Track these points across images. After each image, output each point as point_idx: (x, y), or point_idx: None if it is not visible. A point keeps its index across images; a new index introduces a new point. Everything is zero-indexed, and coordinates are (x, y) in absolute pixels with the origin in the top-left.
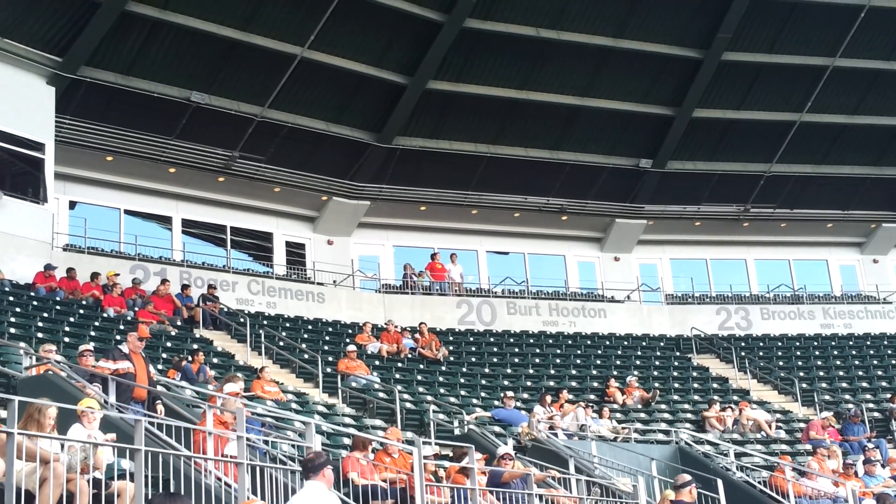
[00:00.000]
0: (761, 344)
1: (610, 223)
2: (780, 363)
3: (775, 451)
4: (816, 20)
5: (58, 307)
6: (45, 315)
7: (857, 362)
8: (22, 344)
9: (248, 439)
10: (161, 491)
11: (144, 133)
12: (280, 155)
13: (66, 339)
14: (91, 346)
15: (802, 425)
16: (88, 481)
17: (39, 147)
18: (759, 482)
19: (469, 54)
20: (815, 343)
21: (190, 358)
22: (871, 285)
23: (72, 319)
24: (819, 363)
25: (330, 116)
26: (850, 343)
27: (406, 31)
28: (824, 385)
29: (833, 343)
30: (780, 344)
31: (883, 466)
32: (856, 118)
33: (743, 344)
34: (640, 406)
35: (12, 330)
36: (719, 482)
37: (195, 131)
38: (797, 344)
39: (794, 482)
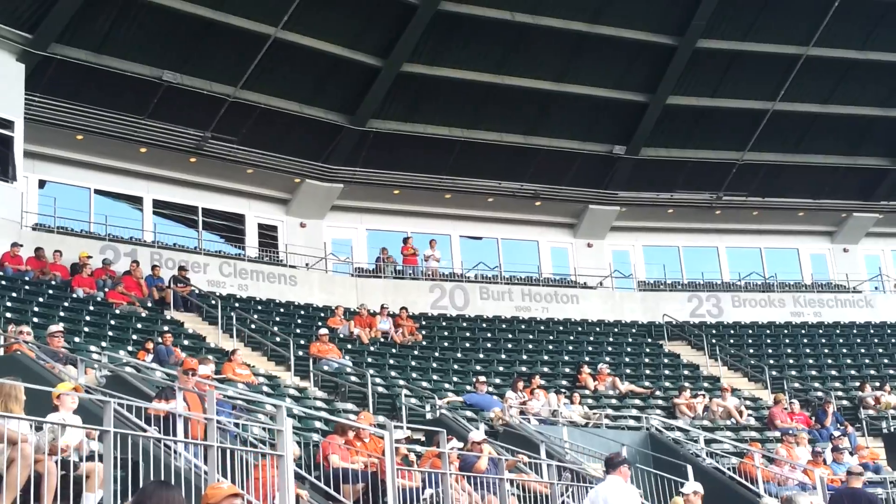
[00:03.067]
0: (732, 331)
1: (583, 209)
2: (751, 350)
3: (745, 437)
4: (791, 9)
5: (27, 287)
6: (14, 295)
7: (826, 350)
8: None
9: (218, 422)
10: (153, 479)
11: (115, 112)
12: (253, 136)
13: (35, 320)
14: (60, 326)
15: None
16: (56, 462)
17: (8, 125)
18: (729, 468)
19: (444, 38)
20: (786, 331)
21: (160, 339)
22: (841, 274)
23: (41, 300)
24: (789, 351)
25: (303, 98)
26: (820, 331)
27: (381, 13)
28: (794, 373)
29: (803, 331)
30: (750, 331)
31: (851, 454)
32: (828, 107)
33: (714, 331)
34: (626, 396)
35: None
36: (689, 468)
37: (167, 111)
38: (767, 331)
39: (763, 468)
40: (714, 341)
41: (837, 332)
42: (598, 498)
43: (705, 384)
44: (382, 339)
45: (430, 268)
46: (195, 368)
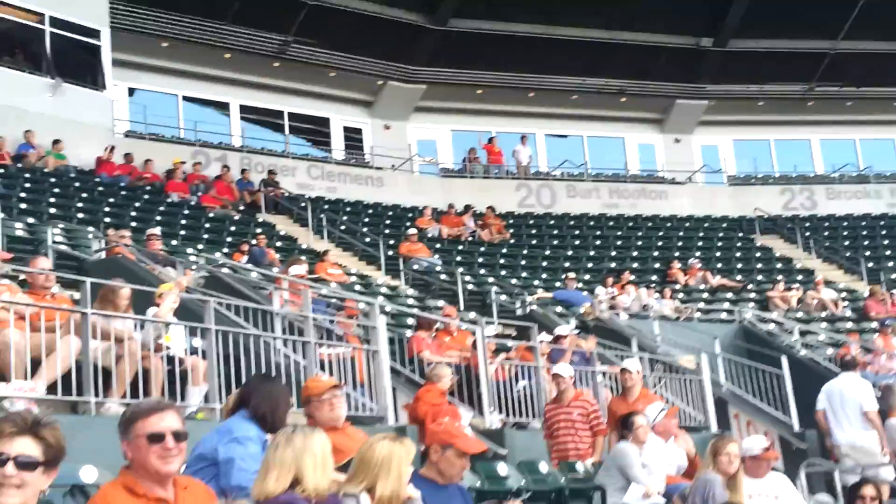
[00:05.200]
0: (826, 224)
1: (670, 104)
2: (846, 243)
3: (841, 329)
4: None
5: (123, 192)
6: (112, 200)
7: None
8: (90, 228)
9: (314, 319)
10: (258, 372)
11: (197, 18)
12: (334, 39)
13: (133, 224)
14: (157, 230)
15: None
16: (162, 358)
17: (95, 33)
18: (825, 359)
19: None
20: (882, 222)
21: (254, 241)
22: None
23: (137, 204)
24: (885, 242)
25: None
26: None
27: None
28: (891, 264)
29: None
30: (845, 223)
31: None
32: None
33: (808, 224)
34: (718, 290)
35: (80, 215)
36: (783, 359)
37: (248, 16)
38: (863, 223)
39: (860, 358)
40: (808, 234)
41: None
42: (835, 391)
43: (799, 277)
44: (471, 239)
45: (518, 163)
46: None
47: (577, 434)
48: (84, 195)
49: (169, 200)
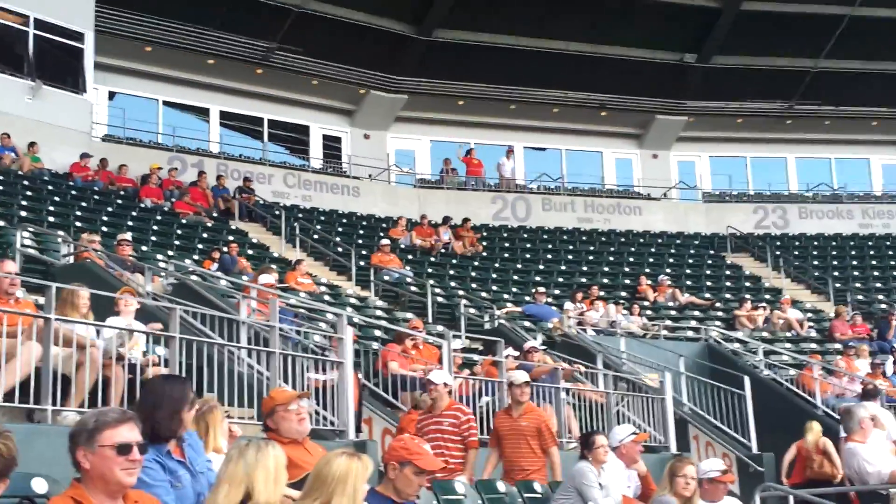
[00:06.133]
0: (797, 243)
1: (650, 119)
2: (815, 262)
3: (805, 349)
4: None
5: (96, 196)
6: (84, 204)
7: (892, 263)
8: (60, 232)
9: (280, 329)
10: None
11: (183, 23)
12: (319, 47)
13: (105, 229)
14: (128, 235)
15: None
16: (123, 367)
17: (79, 37)
18: (787, 380)
19: None
20: (852, 243)
21: (225, 249)
22: None
23: (110, 209)
24: (854, 263)
25: (370, 8)
26: (888, 243)
27: None
28: (858, 285)
29: (870, 243)
30: (816, 243)
31: None
32: None
33: (779, 243)
34: (686, 307)
35: (51, 218)
36: (746, 379)
37: (234, 22)
38: (834, 244)
39: (822, 380)
40: (778, 253)
41: None
42: None
43: (767, 296)
44: (443, 251)
45: (501, 175)
46: None
47: (446, 446)
48: (56, 199)
49: (142, 206)
